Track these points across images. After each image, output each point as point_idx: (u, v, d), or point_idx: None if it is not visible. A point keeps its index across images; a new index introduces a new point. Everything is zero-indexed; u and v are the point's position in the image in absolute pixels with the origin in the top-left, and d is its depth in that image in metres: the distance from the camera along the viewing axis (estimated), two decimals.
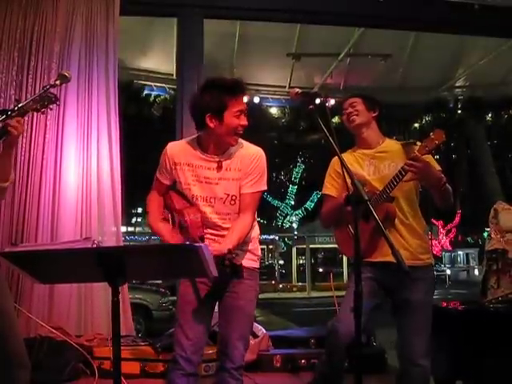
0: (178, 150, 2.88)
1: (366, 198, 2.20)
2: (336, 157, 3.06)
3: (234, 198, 2.81)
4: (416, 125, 10.42)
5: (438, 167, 3.04)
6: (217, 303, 2.90)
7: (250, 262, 2.88)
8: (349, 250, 3.05)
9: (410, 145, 3.04)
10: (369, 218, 2.74)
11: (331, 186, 3.23)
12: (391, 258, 2.72)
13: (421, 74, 8.93)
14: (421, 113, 10.10)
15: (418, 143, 2.96)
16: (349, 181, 2.36)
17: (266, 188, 2.86)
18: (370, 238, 2.93)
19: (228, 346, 2.78)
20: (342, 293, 3.17)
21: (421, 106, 9.97)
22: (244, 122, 2.76)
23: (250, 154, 2.84)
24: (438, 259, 36.16)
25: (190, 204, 2.81)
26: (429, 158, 2.96)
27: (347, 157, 3.14)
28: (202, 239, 2.71)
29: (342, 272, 28.22)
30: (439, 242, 35.26)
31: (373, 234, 2.89)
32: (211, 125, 2.71)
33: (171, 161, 2.85)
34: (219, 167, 2.80)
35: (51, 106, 2.82)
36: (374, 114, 3.21)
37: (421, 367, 2.93)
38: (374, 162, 3.12)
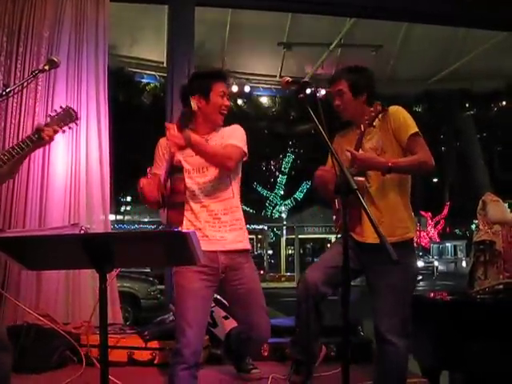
0: None
1: (355, 187, 2.19)
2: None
3: None
4: None
5: (409, 131, 2.97)
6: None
7: (245, 243, 3.14)
8: (336, 221, 3.14)
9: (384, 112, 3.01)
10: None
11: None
12: (371, 240, 2.80)
13: (411, 65, 8.93)
14: (411, 104, 10.11)
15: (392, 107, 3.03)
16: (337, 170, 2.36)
17: (245, 151, 3.11)
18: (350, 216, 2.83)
19: (254, 323, 3.12)
20: None
21: (411, 97, 9.97)
22: (227, 102, 3.12)
23: (231, 126, 3.20)
24: (426, 251, 36.40)
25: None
26: (399, 124, 2.99)
27: (339, 140, 3.17)
28: None
29: None
30: (427, 234, 35.49)
31: (353, 212, 2.83)
32: (199, 105, 3.04)
33: (163, 148, 3.11)
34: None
35: (71, 125, 2.88)
36: (363, 99, 3.09)
37: (392, 345, 2.88)
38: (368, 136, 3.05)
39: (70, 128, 2.93)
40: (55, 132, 2.84)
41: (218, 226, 3.03)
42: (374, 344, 4.20)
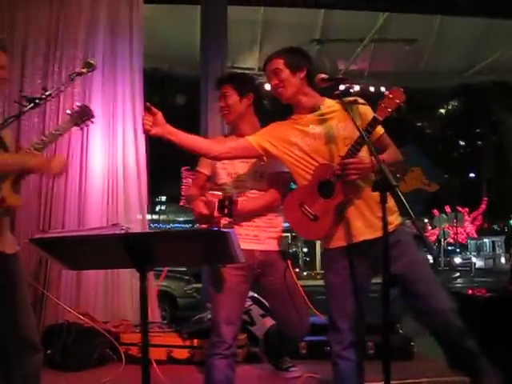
0: None
1: (394, 183, 2.16)
2: None
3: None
4: (442, 110, 10.29)
5: (381, 127, 2.68)
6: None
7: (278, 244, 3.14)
8: (311, 232, 2.78)
9: (352, 103, 2.63)
10: (331, 195, 2.59)
11: None
12: (369, 236, 2.58)
13: (446, 58, 8.79)
14: (447, 98, 9.96)
15: (360, 100, 2.67)
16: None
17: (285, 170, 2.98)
18: (337, 217, 2.64)
19: (292, 319, 3.13)
20: None
21: (446, 91, 9.81)
22: (221, 103, 3.11)
23: None
24: (464, 247, 35.82)
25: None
26: (366, 108, 2.69)
27: (285, 127, 2.84)
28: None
29: None
30: (465, 230, 34.92)
31: (339, 212, 2.64)
32: None
33: None
34: None
35: (88, 123, 2.92)
36: (302, 75, 2.77)
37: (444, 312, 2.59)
38: (320, 126, 2.74)
39: (86, 125, 2.94)
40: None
41: (255, 226, 3.04)
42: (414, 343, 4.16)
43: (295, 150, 2.77)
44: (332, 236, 2.70)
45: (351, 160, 2.54)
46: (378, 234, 2.35)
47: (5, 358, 2.68)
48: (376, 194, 2.22)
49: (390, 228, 2.55)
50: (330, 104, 2.79)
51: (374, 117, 2.54)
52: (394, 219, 2.66)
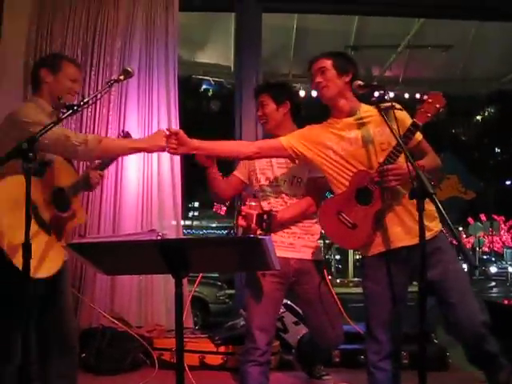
0: None
1: (432, 191, 2.13)
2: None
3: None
4: (478, 117, 10.14)
5: (420, 133, 2.66)
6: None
7: (315, 253, 3.14)
8: (349, 241, 2.74)
9: (388, 109, 2.60)
10: (370, 202, 2.57)
11: None
12: (408, 242, 2.53)
13: (483, 64, 8.64)
14: (483, 104, 9.80)
15: (397, 105, 2.63)
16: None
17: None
18: (375, 224, 2.62)
19: (325, 328, 3.12)
20: None
21: (483, 97, 9.65)
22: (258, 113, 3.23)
23: None
24: (500, 256, 35.16)
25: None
26: (403, 114, 2.65)
27: (319, 130, 2.85)
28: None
29: None
30: (500, 238, 34.30)
31: (378, 219, 2.61)
32: None
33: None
34: None
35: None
36: (347, 79, 2.79)
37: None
38: (356, 130, 2.74)
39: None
40: (102, 177, 3.04)
41: (291, 233, 3.04)
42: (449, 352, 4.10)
43: (330, 153, 2.77)
44: (371, 243, 2.67)
45: (390, 166, 2.51)
46: (417, 240, 2.29)
47: (44, 357, 2.75)
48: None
49: (430, 235, 2.54)
50: (366, 109, 2.79)
51: (414, 122, 2.52)
52: (434, 226, 2.63)
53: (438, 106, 2.51)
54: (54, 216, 2.70)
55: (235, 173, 3.29)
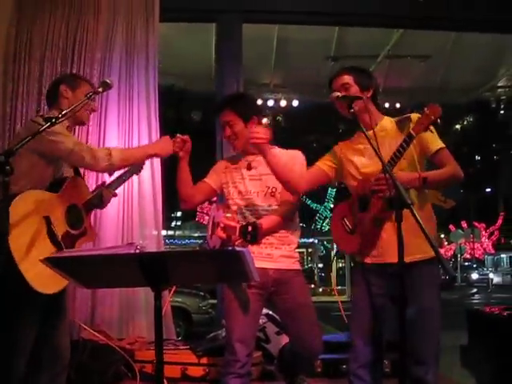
0: None
1: (409, 201, 2.16)
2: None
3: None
4: (457, 126, 10.25)
5: (439, 143, 2.72)
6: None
7: (293, 263, 3.14)
8: (347, 245, 2.85)
9: (404, 120, 2.73)
10: (366, 208, 2.65)
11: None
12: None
13: (461, 74, 8.76)
14: (462, 114, 9.92)
15: (414, 115, 2.69)
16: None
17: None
18: (370, 232, 2.68)
19: (305, 338, 3.08)
20: None
21: (462, 107, 9.76)
22: (227, 132, 3.16)
23: (291, 153, 3.23)
24: (481, 263, 35.46)
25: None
26: (427, 134, 2.66)
27: (344, 147, 2.94)
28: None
29: None
30: (481, 245, 34.63)
31: (374, 227, 2.67)
32: None
33: (225, 168, 3.30)
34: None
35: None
36: (369, 94, 2.84)
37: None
38: (374, 143, 2.67)
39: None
40: (114, 196, 3.32)
41: (268, 243, 3.04)
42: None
43: (351, 167, 2.84)
44: (365, 251, 2.73)
45: (382, 175, 2.55)
46: (410, 258, 2.36)
47: (37, 371, 2.80)
48: (417, 215, 2.16)
49: (419, 257, 2.58)
50: (385, 122, 2.85)
51: (410, 133, 2.58)
52: (427, 249, 2.31)
53: (432, 117, 2.56)
54: (66, 233, 2.72)
55: (206, 180, 3.24)
